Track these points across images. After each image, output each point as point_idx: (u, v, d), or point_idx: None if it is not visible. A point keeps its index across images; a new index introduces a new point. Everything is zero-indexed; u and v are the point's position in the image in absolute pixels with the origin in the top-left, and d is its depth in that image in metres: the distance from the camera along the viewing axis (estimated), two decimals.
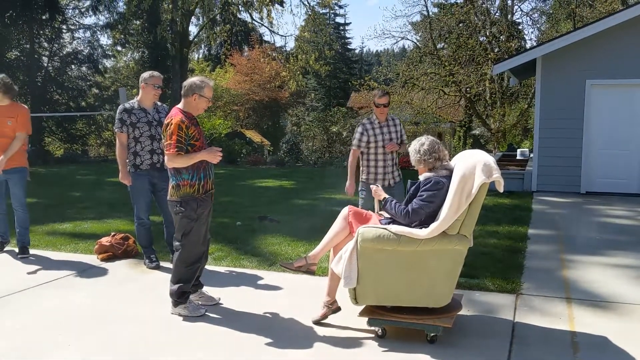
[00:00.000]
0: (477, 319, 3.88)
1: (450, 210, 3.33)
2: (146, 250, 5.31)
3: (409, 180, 4.44)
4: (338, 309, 3.82)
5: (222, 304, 4.22)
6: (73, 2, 23.91)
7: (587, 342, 3.48)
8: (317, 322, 3.78)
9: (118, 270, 5.20)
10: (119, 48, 27.58)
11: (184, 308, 3.97)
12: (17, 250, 5.71)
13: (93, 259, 5.55)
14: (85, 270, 5.19)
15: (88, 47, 23.78)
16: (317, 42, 25.82)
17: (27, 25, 21.22)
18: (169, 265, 4.66)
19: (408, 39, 25.99)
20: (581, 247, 6.04)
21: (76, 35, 23.76)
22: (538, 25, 24.78)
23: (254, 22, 26.44)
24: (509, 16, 23.32)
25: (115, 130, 5.06)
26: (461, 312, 3.78)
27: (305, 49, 22.95)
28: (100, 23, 24.99)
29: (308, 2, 22.22)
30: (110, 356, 3.33)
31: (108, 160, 20.52)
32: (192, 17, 26.99)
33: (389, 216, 3.73)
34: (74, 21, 23.72)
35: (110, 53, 26.34)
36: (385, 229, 3.44)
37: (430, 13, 23.17)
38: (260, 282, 4.83)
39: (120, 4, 24.76)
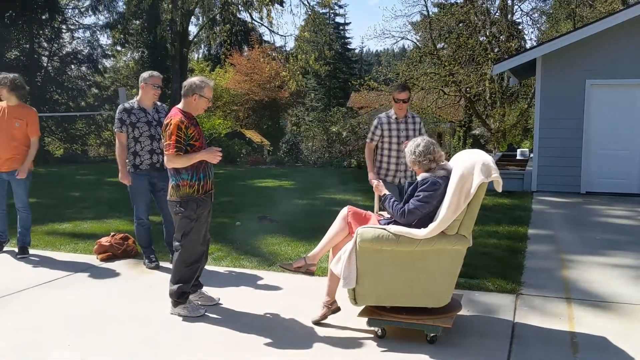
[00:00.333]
0: (477, 319, 3.88)
1: (449, 210, 3.33)
2: (146, 250, 5.31)
3: (406, 182, 4.43)
4: (338, 309, 3.82)
5: (221, 304, 4.22)
6: (73, 1, 23.90)
7: (587, 342, 3.48)
8: (317, 323, 3.78)
9: (118, 270, 5.19)
10: (119, 48, 27.56)
11: (183, 308, 3.97)
12: (16, 250, 5.71)
13: (93, 259, 5.55)
14: (84, 271, 5.18)
15: (88, 47, 23.76)
16: (317, 42, 25.84)
17: (27, 25, 21.20)
18: (169, 265, 4.65)
19: (408, 39, 25.97)
20: (581, 247, 6.04)
21: (76, 35, 23.75)
22: (538, 25, 24.79)
23: (253, 22, 26.45)
24: (509, 16, 23.32)
25: (115, 130, 5.06)
26: (461, 312, 3.77)
27: (305, 49, 22.95)
28: (100, 23, 25.00)
29: (308, 2, 22.24)
30: (110, 356, 3.33)
31: (108, 160, 20.53)
32: (192, 17, 27.00)
33: (388, 216, 3.73)
34: (74, 21, 23.71)
35: (110, 53, 26.31)
36: (384, 229, 3.44)
37: (430, 13, 23.19)
38: (259, 282, 4.83)
39: (120, 3, 24.77)
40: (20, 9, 20.42)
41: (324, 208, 8.63)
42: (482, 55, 20.23)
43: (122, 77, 28.43)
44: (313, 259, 3.86)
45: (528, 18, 24.55)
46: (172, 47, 25.48)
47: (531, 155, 12.23)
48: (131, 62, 29.07)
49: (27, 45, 21.47)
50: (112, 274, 5.08)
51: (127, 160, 5.06)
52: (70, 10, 23.76)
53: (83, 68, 23.99)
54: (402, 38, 24.61)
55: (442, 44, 23.27)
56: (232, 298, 4.32)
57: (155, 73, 5.09)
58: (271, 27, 23.68)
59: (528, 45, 23.53)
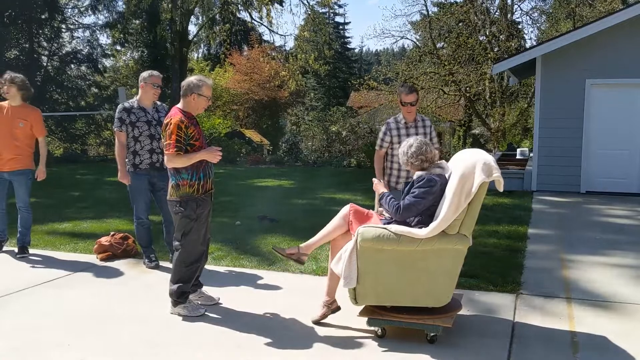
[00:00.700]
0: (477, 319, 3.88)
1: (450, 209, 3.33)
2: (145, 250, 5.31)
3: (403, 182, 4.41)
4: (337, 308, 3.81)
5: (221, 303, 4.22)
6: (72, 1, 23.86)
7: (587, 342, 3.48)
8: (317, 322, 3.78)
9: (117, 270, 5.19)
10: (119, 47, 27.52)
11: (183, 308, 3.97)
12: (16, 249, 5.70)
13: (92, 259, 5.54)
14: (84, 270, 5.18)
15: (87, 47, 23.70)
16: (316, 42, 25.79)
17: (27, 25, 21.17)
18: (169, 265, 4.65)
19: (408, 39, 25.94)
20: (581, 246, 6.04)
21: (75, 34, 23.68)
22: (538, 25, 24.78)
23: (253, 21, 26.42)
24: (509, 15, 23.30)
25: (115, 129, 5.06)
26: (461, 312, 3.77)
27: (304, 49, 22.92)
28: (100, 22, 24.86)
29: (307, 2, 22.20)
30: (110, 356, 3.33)
31: (107, 159, 20.50)
32: (192, 17, 26.94)
33: (389, 216, 3.73)
34: (73, 20, 23.65)
35: (110, 52, 26.24)
36: (385, 228, 3.44)
37: (430, 12, 23.17)
38: (259, 281, 4.82)
39: (120, 3, 24.70)
40: (20, 8, 20.39)
41: (323, 207, 8.63)
42: (481, 55, 20.22)
43: (122, 77, 28.39)
44: (307, 249, 3.84)
45: (528, 17, 24.58)
46: (171, 46, 25.44)
47: (531, 154, 12.22)
48: (131, 61, 29.04)
49: (27, 45, 21.44)
50: (112, 273, 5.08)
51: (126, 160, 5.06)
52: (69, 10, 23.71)
53: (83, 67, 23.95)
54: (402, 37, 24.55)
55: (442, 43, 23.25)
56: (232, 298, 4.32)
57: (155, 72, 5.09)
58: (271, 26, 23.67)
59: (528, 45, 23.54)
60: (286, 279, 4.84)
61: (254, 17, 25.09)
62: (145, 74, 5.05)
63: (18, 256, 5.61)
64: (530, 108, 21.81)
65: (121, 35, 25.74)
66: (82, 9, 23.71)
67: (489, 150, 20.34)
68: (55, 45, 22.63)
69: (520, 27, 25.42)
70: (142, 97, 5.05)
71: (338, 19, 47.61)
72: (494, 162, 3.39)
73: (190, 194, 3.83)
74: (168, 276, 4.11)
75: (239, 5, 25.06)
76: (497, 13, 23.08)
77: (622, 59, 9.77)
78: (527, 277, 4.85)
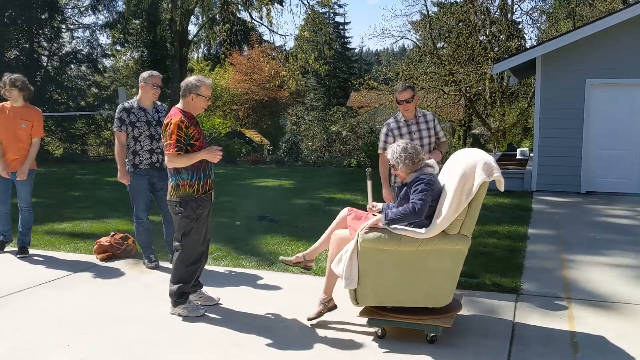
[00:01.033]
0: (477, 319, 3.88)
1: (450, 209, 3.33)
2: (145, 250, 5.31)
3: (396, 186, 4.39)
4: (334, 306, 3.82)
5: (221, 304, 4.22)
6: (72, 1, 23.85)
7: (587, 342, 3.48)
8: (313, 320, 3.77)
9: (117, 270, 5.19)
10: (119, 47, 27.50)
11: (183, 308, 3.97)
12: (16, 249, 5.70)
13: (92, 259, 5.54)
14: (84, 270, 5.18)
15: (87, 47, 23.70)
16: (316, 42, 25.80)
17: (27, 25, 21.17)
18: (169, 265, 4.65)
19: (408, 38, 26.00)
20: (581, 246, 6.04)
21: (75, 34, 23.68)
22: (538, 25, 24.79)
23: (253, 21, 26.42)
24: (509, 15, 23.30)
25: (115, 129, 5.05)
26: (461, 312, 3.77)
27: (304, 49, 22.93)
28: (100, 22, 24.84)
29: (307, 2, 22.19)
30: (109, 356, 3.33)
31: (107, 159, 20.49)
32: (192, 17, 26.96)
33: (381, 205, 3.80)
34: (73, 20, 23.65)
35: (110, 52, 26.23)
36: (385, 229, 3.44)
37: (430, 12, 23.15)
38: (259, 282, 4.82)
39: (120, 3, 24.70)
40: (20, 8, 20.39)
41: (324, 207, 8.63)
42: (482, 55, 20.22)
43: (122, 77, 28.38)
44: (311, 255, 4.01)
45: (528, 17, 24.64)
46: (171, 46, 25.44)
47: (531, 154, 12.23)
48: (131, 61, 29.03)
49: (27, 45, 21.44)
50: (112, 273, 5.08)
51: (126, 160, 5.06)
52: (69, 10, 23.71)
53: (83, 68, 23.95)
54: (402, 37, 24.58)
55: (442, 43, 23.26)
56: (232, 298, 4.32)
57: (155, 73, 5.09)
58: (271, 26, 23.70)
59: (528, 45, 23.54)
60: (286, 279, 4.84)
61: (254, 17, 25.11)
62: (145, 74, 5.05)
63: (18, 256, 5.61)
64: (530, 108, 21.80)
65: (121, 35, 25.73)
66: (82, 9, 23.71)
67: (489, 150, 20.35)
68: (55, 45, 22.63)
69: (520, 27, 25.43)
70: (142, 97, 5.05)
71: (338, 18, 47.57)
72: (494, 162, 3.40)
73: (190, 194, 3.83)
74: (168, 276, 4.11)
75: (239, 5, 25.07)
76: (497, 13, 23.09)
77: (622, 58, 9.76)
78: (527, 278, 4.85)
